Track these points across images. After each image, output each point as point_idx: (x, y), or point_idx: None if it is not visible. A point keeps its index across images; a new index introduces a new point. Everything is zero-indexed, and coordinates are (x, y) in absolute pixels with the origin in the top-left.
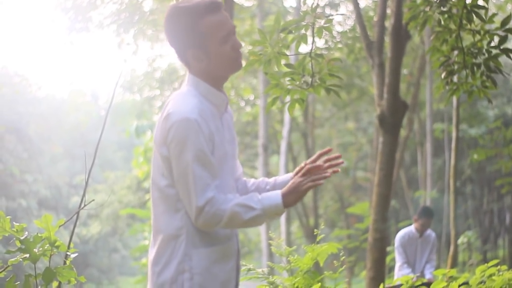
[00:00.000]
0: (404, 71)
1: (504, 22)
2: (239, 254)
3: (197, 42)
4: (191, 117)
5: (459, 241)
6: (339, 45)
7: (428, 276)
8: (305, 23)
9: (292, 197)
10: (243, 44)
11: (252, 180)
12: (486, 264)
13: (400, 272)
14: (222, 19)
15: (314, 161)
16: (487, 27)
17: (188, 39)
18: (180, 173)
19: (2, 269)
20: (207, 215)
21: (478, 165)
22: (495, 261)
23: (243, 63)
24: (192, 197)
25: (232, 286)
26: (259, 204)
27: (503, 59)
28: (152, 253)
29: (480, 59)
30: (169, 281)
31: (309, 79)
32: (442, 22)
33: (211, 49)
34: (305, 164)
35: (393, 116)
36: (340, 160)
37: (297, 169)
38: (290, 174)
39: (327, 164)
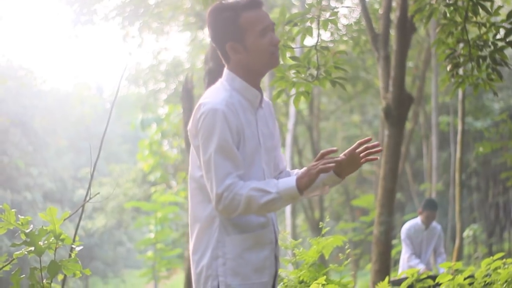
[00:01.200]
0: (410, 64)
1: (510, 15)
2: (277, 244)
3: (236, 35)
4: (219, 108)
5: (465, 234)
6: (345, 38)
7: (441, 271)
8: (310, 16)
9: (305, 180)
10: None
11: (296, 170)
12: (491, 257)
13: (409, 263)
14: (261, 14)
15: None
16: (492, 19)
17: (227, 32)
18: (205, 161)
19: (8, 262)
20: (225, 200)
21: (484, 158)
22: (500, 254)
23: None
24: (213, 184)
25: (267, 274)
26: (275, 188)
27: (508, 51)
28: (191, 244)
29: (485, 52)
30: (205, 267)
31: (315, 72)
32: (448, 15)
33: (248, 42)
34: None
35: (399, 109)
36: (377, 148)
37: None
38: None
39: (360, 149)
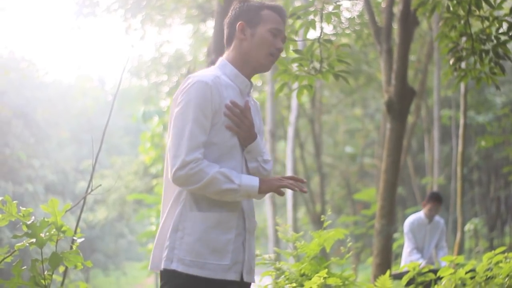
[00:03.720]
0: (412, 57)
1: None
2: (249, 233)
3: (252, 19)
4: (207, 81)
5: (466, 228)
6: (347, 31)
7: (442, 263)
8: (313, 9)
9: (267, 187)
10: None
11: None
12: (493, 251)
13: (410, 258)
14: (280, 19)
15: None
16: (496, 13)
17: (247, 13)
18: (179, 127)
19: (9, 254)
20: (190, 171)
21: (486, 152)
22: (502, 248)
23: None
24: (182, 150)
25: (229, 258)
26: (238, 180)
27: (511, 45)
28: (161, 224)
29: (488, 46)
30: (167, 238)
31: (318, 65)
32: (451, 8)
33: (258, 31)
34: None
35: (401, 103)
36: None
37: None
38: None
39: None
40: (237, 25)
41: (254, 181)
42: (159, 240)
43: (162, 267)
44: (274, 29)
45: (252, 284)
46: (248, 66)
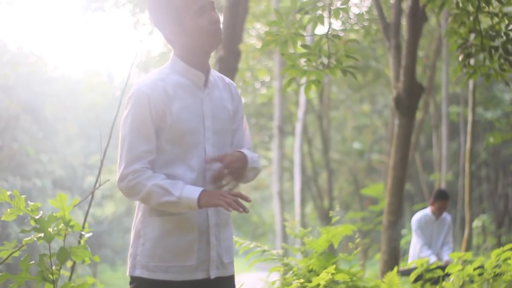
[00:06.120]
0: (420, 53)
1: None
2: (217, 226)
3: (174, 18)
4: (144, 90)
5: (474, 224)
6: (356, 27)
7: (445, 258)
8: (321, 4)
9: (206, 201)
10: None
11: (245, 151)
12: (501, 248)
13: (420, 255)
14: None
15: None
16: (505, 9)
17: (165, 16)
18: (121, 138)
19: (17, 248)
20: (128, 183)
21: (494, 149)
22: (510, 245)
23: (219, 38)
24: (122, 162)
25: (195, 258)
26: (178, 192)
27: None
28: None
29: (498, 42)
30: (130, 245)
31: (326, 60)
32: (460, 4)
33: (187, 24)
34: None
35: (409, 99)
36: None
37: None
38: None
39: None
40: (167, 32)
41: (194, 194)
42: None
43: (127, 274)
44: (198, 9)
45: (259, 279)
46: (197, 55)
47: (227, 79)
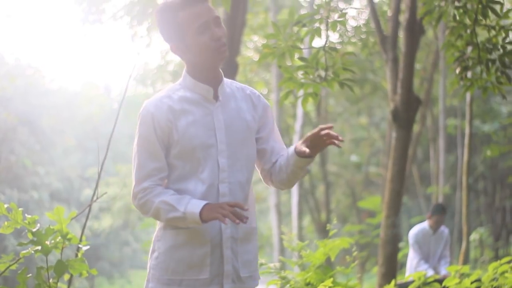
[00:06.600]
0: (418, 66)
1: None
2: (228, 241)
3: (177, 35)
4: (149, 109)
5: (471, 237)
6: (353, 40)
7: (443, 272)
8: (319, 17)
9: (206, 215)
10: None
11: (280, 159)
12: (498, 261)
13: (418, 269)
14: (199, 10)
15: (317, 134)
16: (502, 22)
17: (170, 33)
18: (132, 158)
19: (14, 261)
20: (139, 201)
21: (491, 162)
22: (507, 258)
23: (228, 53)
24: (133, 181)
25: (208, 272)
26: (183, 208)
27: None
28: None
29: (495, 55)
30: (149, 256)
31: (323, 73)
32: (457, 17)
33: (189, 41)
34: (318, 130)
35: (407, 111)
36: (339, 139)
37: (307, 135)
38: (296, 144)
39: (326, 137)
40: (173, 48)
41: (197, 208)
42: None
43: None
44: (200, 26)
45: None
46: (204, 70)
47: (249, 90)
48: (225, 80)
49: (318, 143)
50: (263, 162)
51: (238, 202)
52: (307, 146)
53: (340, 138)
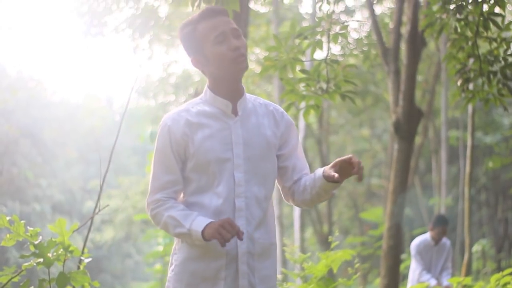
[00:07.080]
0: (419, 78)
1: None
2: (244, 256)
3: (196, 48)
4: (166, 123)
5: (473, 249)
6: (355, 52)
7: (445, 283)
8: (320, 29)
9: (207, 234)
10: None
11: (304, 179)
12: (501, 273)
13: (420, 279)
14: (216, 23)
15: (347, 161)
16: (503, 34)
17: (189, 46)
18: (151, 170)
19: (16, 274)
20: (151, 212)
21: (493, 173)
22: (509, 270)
23: (250, 65)
24: (148, 192)
25: (222, 285)
26: (189, 224)
27: None
28: None
29: (496, 67)
30: (168, 269)
31: (324, 85)
32: (459, 30)
33: (207, 52)
34: (348, 158)
35: (409, 123)
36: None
37: (336, 160)
38: (324, 168)
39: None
40: (193, 62)
41: (200, 226)
42: None
43: None
44: (216, 37)
45: None
46: (223, 84)
47: (273, 106)
48: (248, 95)
49: (346, 171)
50: (284, 179)
51: (232, 223)
52: (336, 171)
53: (361, 172)
